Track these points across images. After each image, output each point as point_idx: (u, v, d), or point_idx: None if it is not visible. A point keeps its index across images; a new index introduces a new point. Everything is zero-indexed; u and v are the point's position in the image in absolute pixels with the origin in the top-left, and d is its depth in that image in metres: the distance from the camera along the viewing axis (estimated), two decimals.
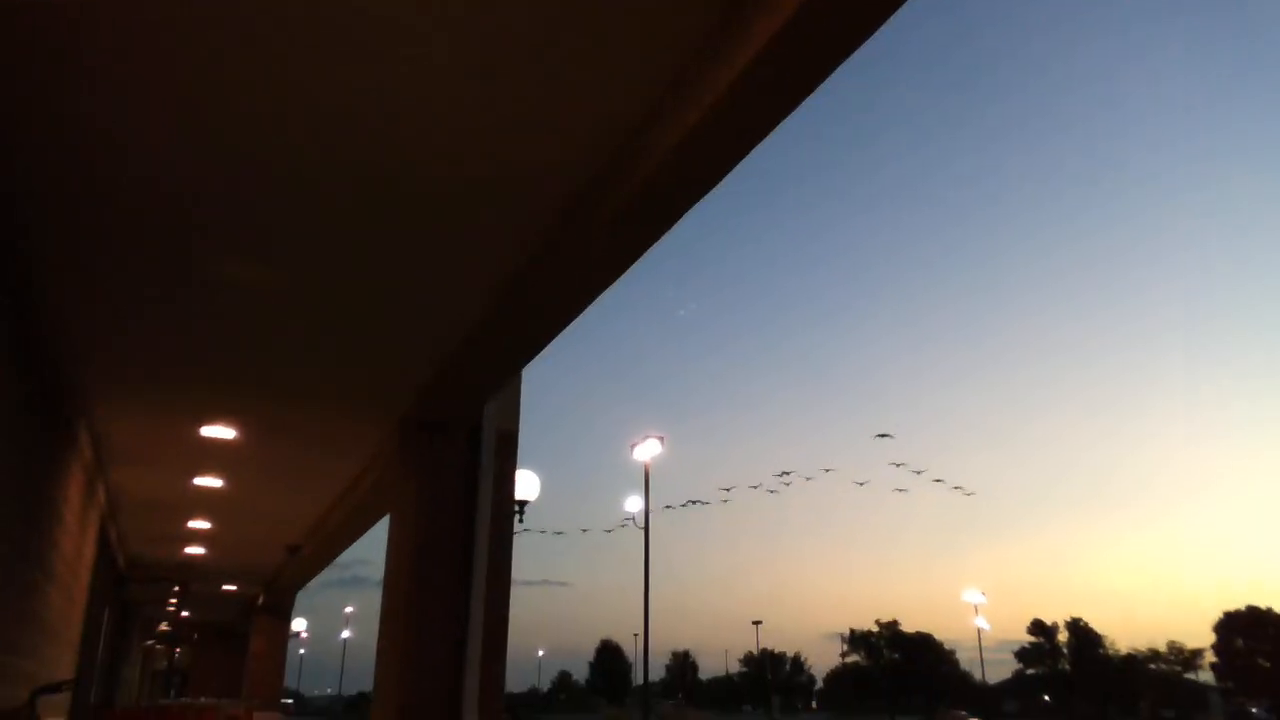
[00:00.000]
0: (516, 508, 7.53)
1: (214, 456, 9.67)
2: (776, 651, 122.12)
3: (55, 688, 4.70)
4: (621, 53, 3.48)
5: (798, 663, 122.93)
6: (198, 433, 8.70)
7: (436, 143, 4.05)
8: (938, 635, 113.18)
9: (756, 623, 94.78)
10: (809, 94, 3.35)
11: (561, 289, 4.98)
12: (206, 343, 6.47)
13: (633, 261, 4.69)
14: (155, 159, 4.24)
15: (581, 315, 5.45)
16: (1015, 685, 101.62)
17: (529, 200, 4.47)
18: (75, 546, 9.82)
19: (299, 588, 20.18)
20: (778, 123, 3.58)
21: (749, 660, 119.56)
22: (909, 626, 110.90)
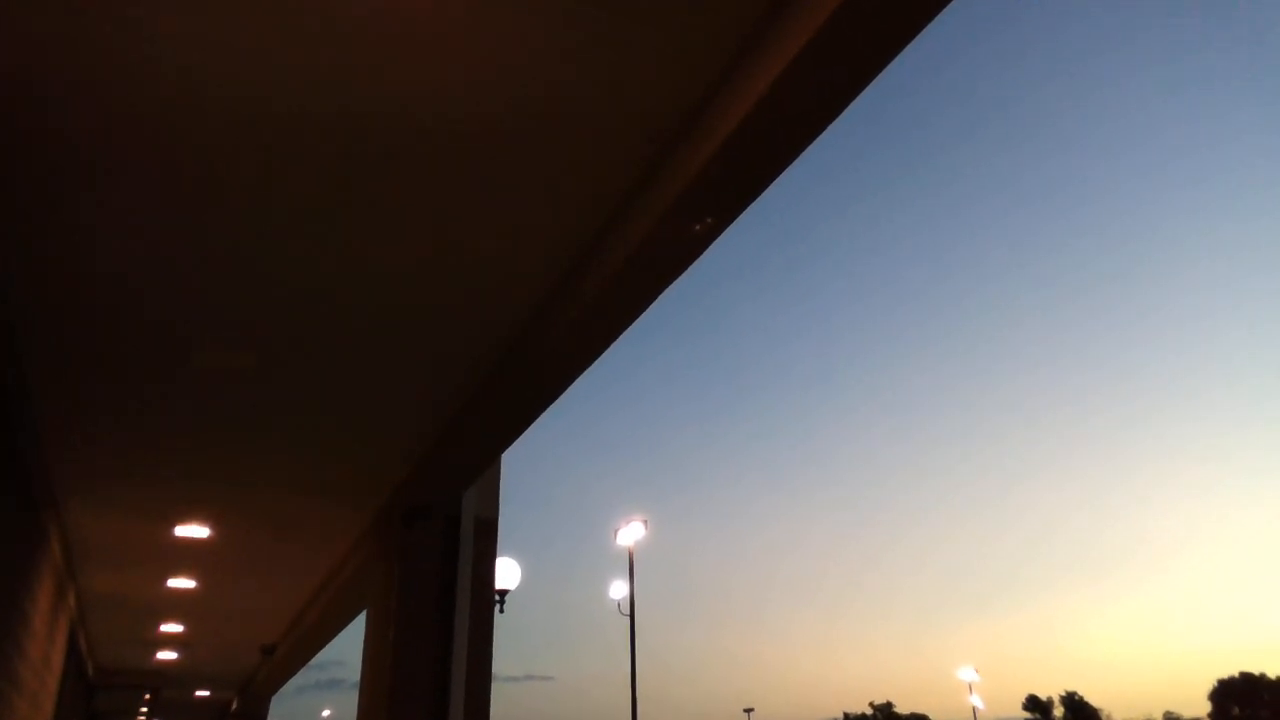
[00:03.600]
0: (497, 597, 7.43)
1: (188, 556, 9.50)
2: None
3: None
4: (601, 137, 3.59)
5: None
6: (171, 532, 8.58)
7: (408, 225, 4.13)
8: (932, 715, 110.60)
9: (748, 710, 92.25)
10: (807, 144, 3.28)
11: (539, 373, 5.01)
12: (178, 437, 6.44)
13: (613, 340, 4.67)
14: (124, 250, 4.30)
15: (559, 400, 5.48)
16: None
17: (509, 279, 4.50)
18: (43, 653, 9.54)
19: (274, 692, 19.57)
20: (746, 205, 3.65)
21: None
22: (903, 707, 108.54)
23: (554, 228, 4.12)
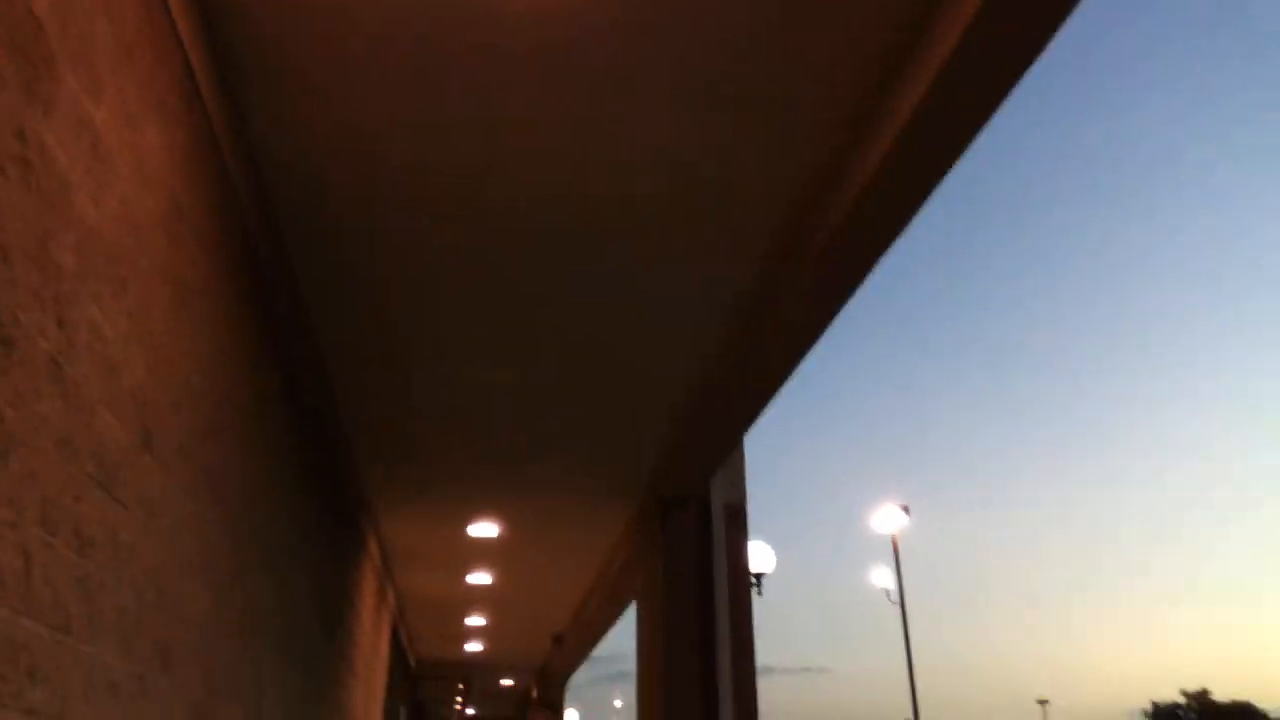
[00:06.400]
0: (754, 580, 7.75)
1: (481, 554, 10.65)
2: None
3: None
4: (815, 77, 3.65)
5: None
6: (466, 533, 9.68)
7: (641, 207, 4.42)
8: (1258, 702, 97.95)
9: (1042, 702, 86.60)
10: (1008, 90, 3.32)
11: (768, 350, 5.23)
12: (465, 448, 7.34)
13: (842, 302, 4.77)
14: (410, 297, 5.09)
15: (804, 387, 5.70)
16: None
17: (732, 252, 4.74)
18: (372, 645, 11.02)
19: (567, 678, 21.06)
20: (969, 139, 3.58)
21: None
22: (1222, 694, 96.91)
23: (779, 176, 4.25)
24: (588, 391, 6.31)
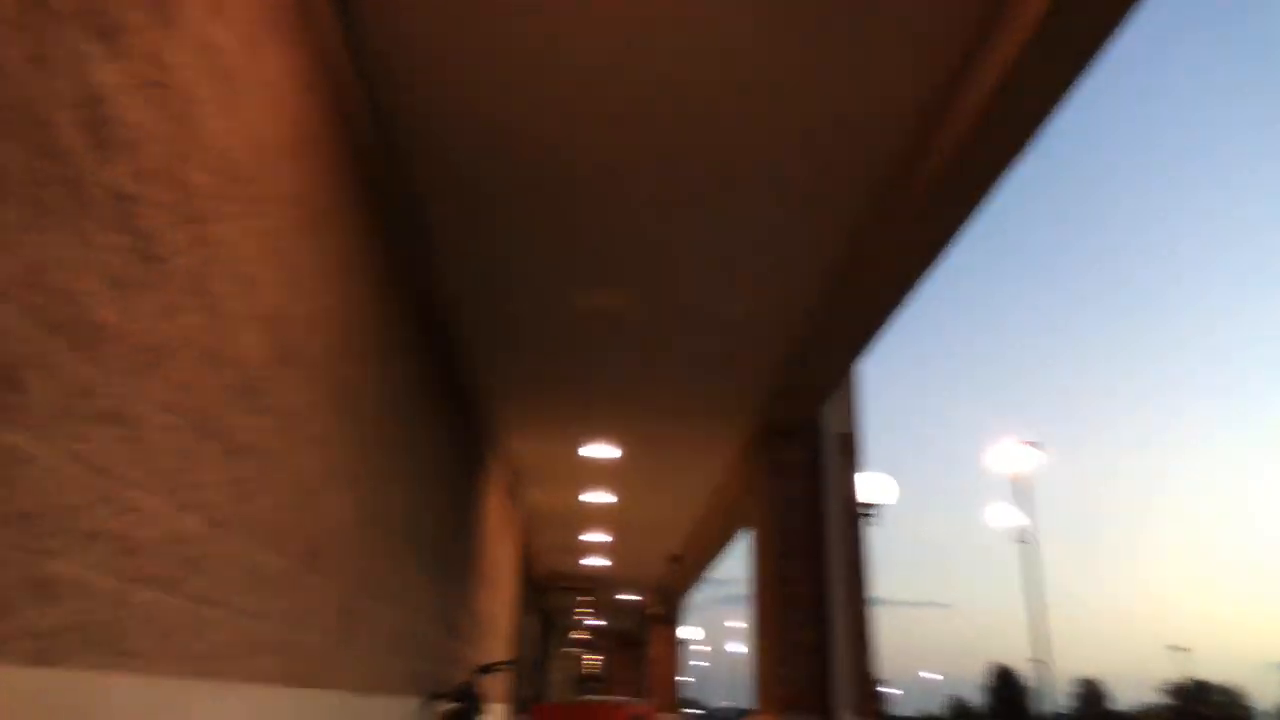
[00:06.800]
0: (870, 510, 7.75)
1: (602, 474, 10.97)
2: (1207, 681, 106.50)
3: (494, 667, 5.77)
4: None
5: (1233, 694, 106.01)
6: (587, 453, 9.98)
7: (751, 131, 4.42)
8: None
9: (1180, 649, 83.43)
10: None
11: (884, 270, 5.15)
12: (582, 372, 7.54)
13: (957, 227, 4.67)
14: (532, 226, 5.21)
15: (923, 317, 5.63)
16: None
17: (847, 175, 4.69)
18: (500, 555, 11.57)
19: (683, 596, 21.63)
20: (1091, 56, 3.46)
21: (1174, 691, 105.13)
22: None
23: (889, 102, 4.27)
24: (699, 318, 6.36)
